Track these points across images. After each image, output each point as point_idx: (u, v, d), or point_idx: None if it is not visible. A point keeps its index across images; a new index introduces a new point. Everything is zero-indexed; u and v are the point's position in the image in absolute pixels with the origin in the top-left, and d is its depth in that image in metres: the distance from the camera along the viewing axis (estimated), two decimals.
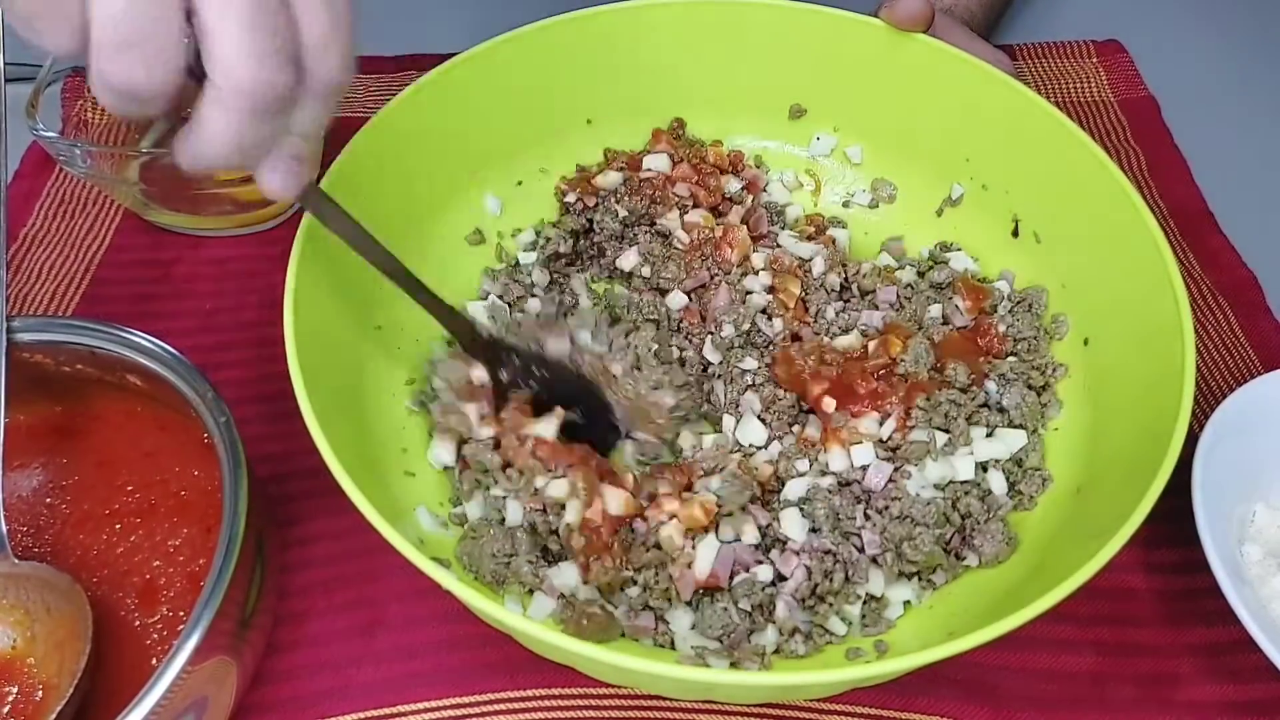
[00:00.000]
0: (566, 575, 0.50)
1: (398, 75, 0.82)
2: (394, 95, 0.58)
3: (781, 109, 0.70)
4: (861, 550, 0.52)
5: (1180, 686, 0.52)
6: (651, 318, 0.62)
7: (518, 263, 0.65)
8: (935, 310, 0.61)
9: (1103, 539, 0.42)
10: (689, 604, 0.50)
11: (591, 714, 0.51)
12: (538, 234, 0.66)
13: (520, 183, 0.68)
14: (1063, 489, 0.53)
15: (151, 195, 0.69)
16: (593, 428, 0.55)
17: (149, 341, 0.51)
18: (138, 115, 0.35)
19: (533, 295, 0.63)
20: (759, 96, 0.69)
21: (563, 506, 0.52)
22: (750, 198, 0.68)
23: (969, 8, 0.77)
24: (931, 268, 0.64)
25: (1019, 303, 0.61)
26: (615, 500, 0.51)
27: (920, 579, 0.52)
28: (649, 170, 0.67)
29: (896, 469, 0.54)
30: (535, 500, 0.52)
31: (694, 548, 0.51)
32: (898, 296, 0.62)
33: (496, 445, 0.54)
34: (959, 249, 0.65)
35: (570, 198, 0.66)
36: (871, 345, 0.59)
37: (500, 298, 0.63)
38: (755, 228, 0.66)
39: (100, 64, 0.33)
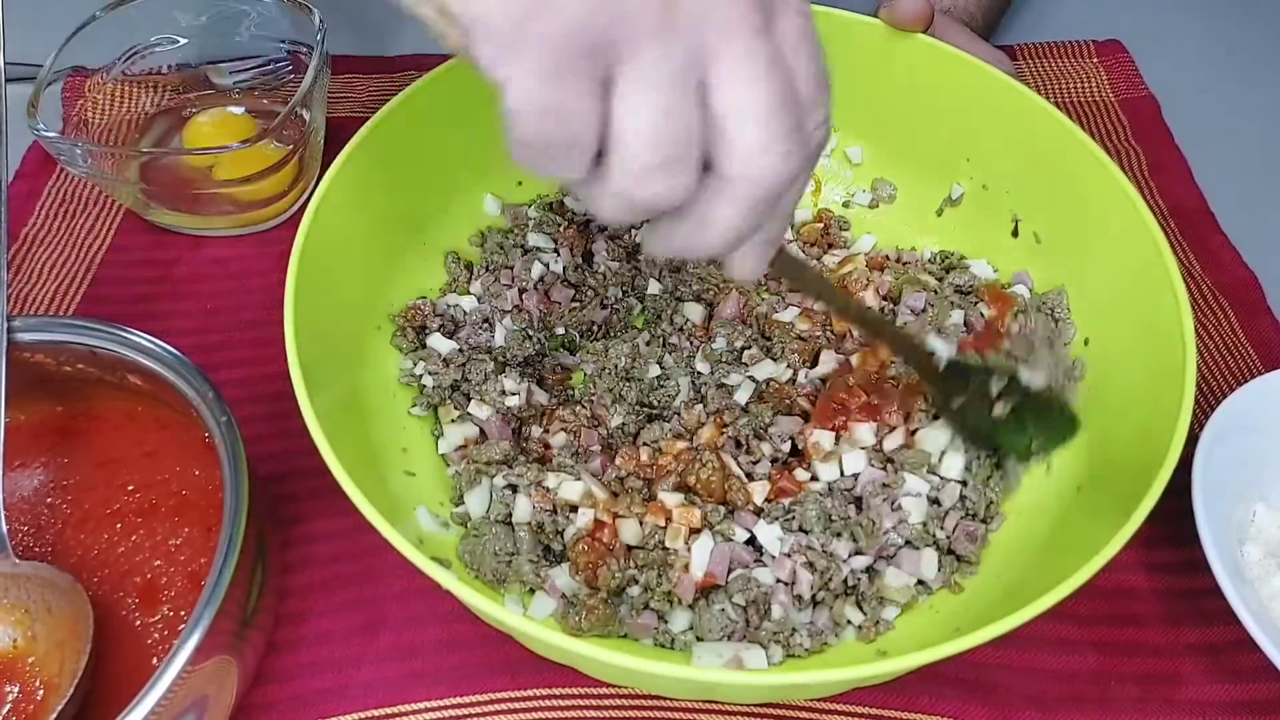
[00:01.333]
0: (569, 575, 0.50)
1: (398, 75, 0.82)
2: (394, 95, 0.58)
3: None
4: (859, 552, 0.52)
5: (1181, 686, 0.52)
6: (636, 325, 0.62)
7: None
8: (957, 316, 0.61)
9: (1103, 539, 0.42)
10: (690, 606, 0.50)
11: (591, 714, 0.51)
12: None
13: (520, 183, 0.68)
14: (1063, 489, 0.53)
15: (152, 195, 0.69)
16: None
17: (149, 341, 0.51)
18: (633, 222, 0.33)
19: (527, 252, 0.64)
20: None
21: (573, 509, 0.52)
22: None
23: (968, 9, 0.77)
24: (945, 275, 0.64)
25: (1039, 307, 0.60)
26: (629, 530, 0.51)
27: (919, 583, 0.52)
28: None
29: (895, 473, 0.54)
30: (545, 499, 0.52)
31: (689, 549, 0.51)
32: (925, 304, 0.62)
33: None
34: (963, 257, 0.65)
35: None
36: (856, 358, 0.58)
37: (488, 269, 0.64)
38: None
39: (627, 187, 0.30)
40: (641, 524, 0.52)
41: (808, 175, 0.34)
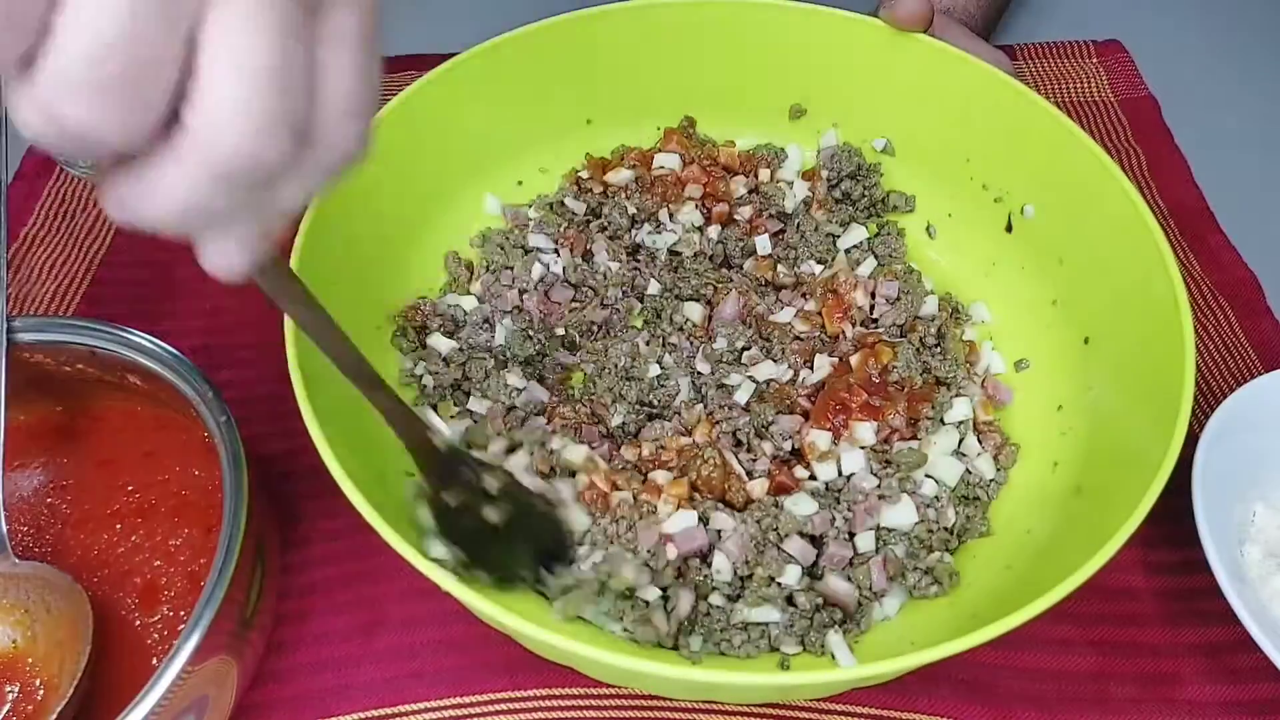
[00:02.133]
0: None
1: (398, 75, 0.82)
2: (394, 95, 0.58)
3: (782, 109, 0.70)
4: (854, 551, 0.52)
5: (1180, 686, 0.52)
6: (635, 325, 0.62)
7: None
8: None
9: (1103, 539, 0.42)
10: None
11: (591, 714, 0.51)
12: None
13: (520, 183, 0.68)
14: (1063, 489, 0.53)
15: None
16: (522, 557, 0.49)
17: (149, 341, 0.51)
18: (68, 154, 0.27)
19: (529, 252, 0.64)
20: (759, 96, 0.69)
21: (571, 474, 0.53)
22: (758, 199, 0.68)
23: (968, 9, 0.77)
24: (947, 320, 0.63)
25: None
26: (619, 499, 0.52)
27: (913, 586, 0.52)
28: (660, 168, 0.67)
29: (892, 475, 0.54)
30: (544, 462, 0.53)
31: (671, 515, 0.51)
32: (899, 292, 0.62)
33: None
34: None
35: (585, 173, 0.68)
36: (855, 359, 0.59)
37: (489, 268, 0.64)
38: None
39: (56, 99, 0.23)
40: (636, 500, 0.52)
41: (316, 176, 0.28)
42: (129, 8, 0.23)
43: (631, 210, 0.65)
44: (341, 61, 0.27)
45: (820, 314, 0.61)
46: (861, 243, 0.66)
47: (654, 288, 0.63)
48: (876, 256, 0.65)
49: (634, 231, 0.66)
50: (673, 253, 0.65)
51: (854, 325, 0.61)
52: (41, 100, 0.23)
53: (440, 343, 0.59)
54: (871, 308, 0.62)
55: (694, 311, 0.62)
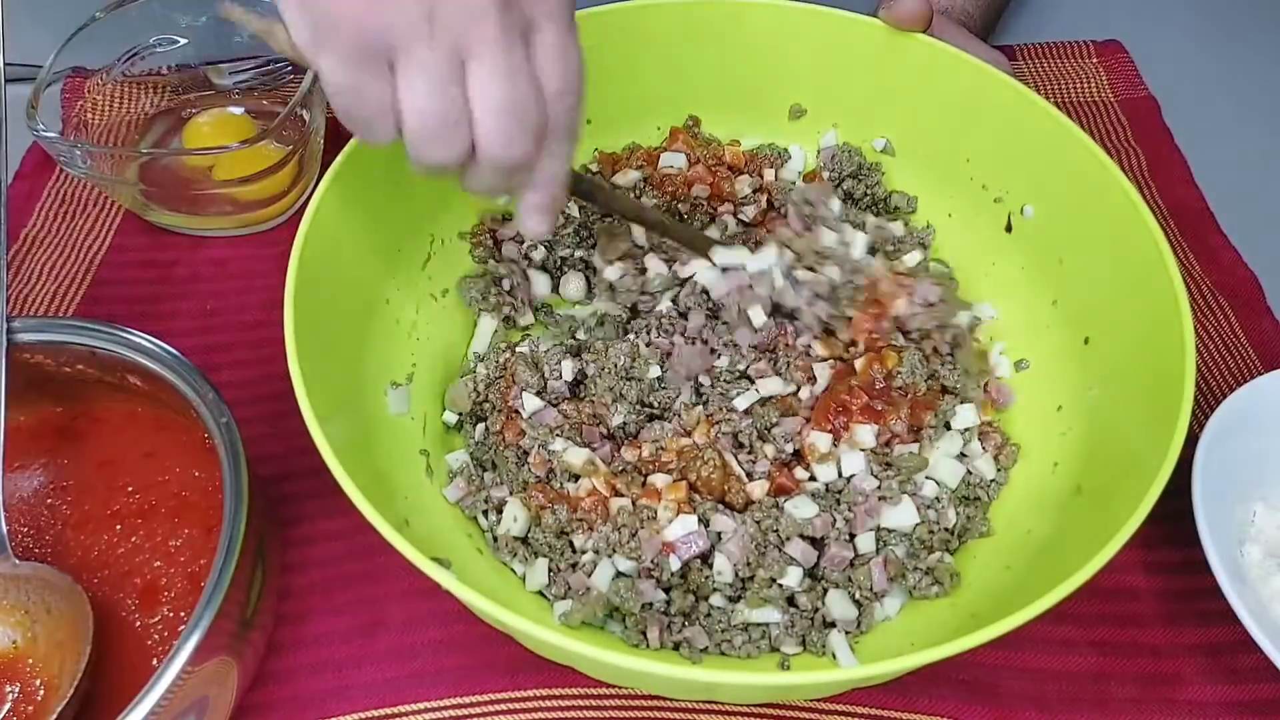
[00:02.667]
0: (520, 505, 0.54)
1: None
2: None
3: (781, 109, 0.70)
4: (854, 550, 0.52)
5: (1181, 686, 0.52)
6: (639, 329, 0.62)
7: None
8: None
9: (1103, 539, 0.42)
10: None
11: (591, 714, 0.51)
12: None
13: None
14: (1063, 489, 0.53)
15: (151, 195, 0.69)
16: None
17: (149, 342, 0.51)
18: (443, 174, 0.44)
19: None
20: (759, 97, 0.69)
21: (573, 478, 0.53)
22: (764, 198, 0.68)
23: (967, 9, 0.77)
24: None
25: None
26: (618, 506, 0.52)
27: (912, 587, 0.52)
28: (669, 167, 0.67)
29: (892, 478, 0.54)
30: (542, 465, 0.54)
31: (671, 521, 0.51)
32: (939, 298, 0.61)
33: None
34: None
35: (594, 167, 0.68)
36: (860, 362, 0.58)
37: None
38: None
39: (417, 150, 0.42)
40: (635, 505, 0.52)
41: (558, 147, 0.44)
42: (428, 99, 0.40)
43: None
44: (554, 65, 0.42)
45: (843, 339, 0.60)
46: (905, 235, 0.66)
47: (664, 305, 0.63)
48: (909, 244, 0.66)
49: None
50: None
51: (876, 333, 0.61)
52: (411, 154, 0.42)
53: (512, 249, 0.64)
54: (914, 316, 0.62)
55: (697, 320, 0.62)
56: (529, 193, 0.45)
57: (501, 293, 0.63)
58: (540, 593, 0.52)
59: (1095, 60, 0.86)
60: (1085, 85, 0.84)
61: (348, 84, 0.40)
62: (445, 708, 0.50)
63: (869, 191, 0.67)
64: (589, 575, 0.51)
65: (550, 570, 0.52)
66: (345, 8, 0.38)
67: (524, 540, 0.53)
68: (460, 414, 0.59)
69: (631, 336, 0.61)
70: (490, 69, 0.40)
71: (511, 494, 0.54)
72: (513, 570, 0.53)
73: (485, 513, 0.54)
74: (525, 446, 0.56)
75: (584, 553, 0.52)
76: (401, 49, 0.39)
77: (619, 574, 0.51)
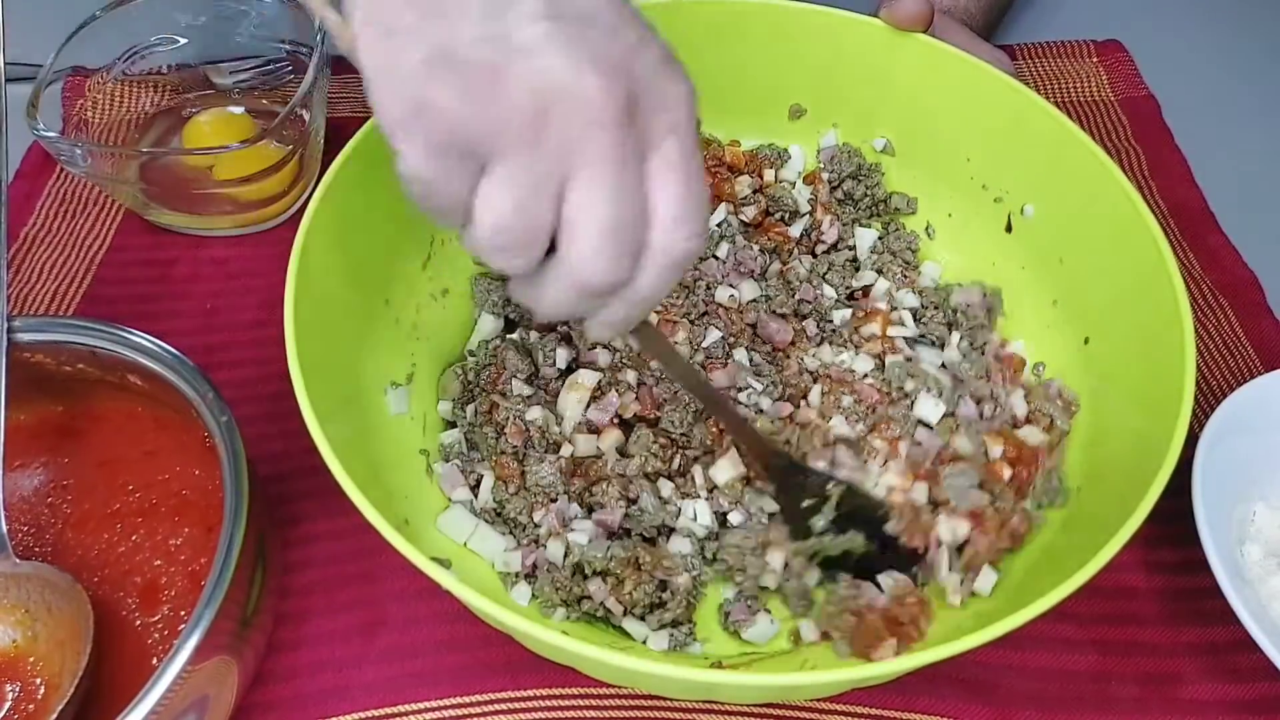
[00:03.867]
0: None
1: None
2: None
3: (781, 109, 0.70)
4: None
5: (1181, 686, 0.52)
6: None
7: None
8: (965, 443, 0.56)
9: (1103, 539, 0.42)
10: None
11: (591, 714, 0.51)
12: None
13: None
14: (1063, 489, 0.53)
15: (152, 195, 0.69)
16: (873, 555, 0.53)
17: (150, 341, 0.51)
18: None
19: None
20: (759, 97, 0.69)
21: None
22: (763, 199, 0.68)
23: (968, 9, 0.77)
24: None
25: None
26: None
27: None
28: None
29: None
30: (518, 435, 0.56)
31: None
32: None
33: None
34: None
35: None
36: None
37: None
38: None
39: (481, 253, 0.37)
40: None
41: (658, 272, 0.37)
42: (511, 213, 0.35)
43: None
44: (669, 187, 0.36)
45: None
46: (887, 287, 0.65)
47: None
48: (893, 254, 0.65)
49: None
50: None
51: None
52: (475, 250, 0.37)
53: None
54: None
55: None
56: (611, 309, 0.39)
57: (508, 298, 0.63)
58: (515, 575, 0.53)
59: (1095, 60, 0.86)
60: (1085, 85, 0.84)
61: (428, 176, 0.35)
62: (445, 708, 0.50)
63: (869, 192, 0.67)
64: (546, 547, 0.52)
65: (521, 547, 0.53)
66: (448, 98, 0.34)
67: (499, 513, 0.54)
68: (454, 400, 0.59)
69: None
70: (599, 188, 0.35)
71: (489, 467, 0.56)
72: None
73: (473, 490, 0.55)
74: (500, 420, 0.56)
75: (539, 526, 0.53)
76: (499, 152, 0.35)
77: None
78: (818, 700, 0.51)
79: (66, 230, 0.72)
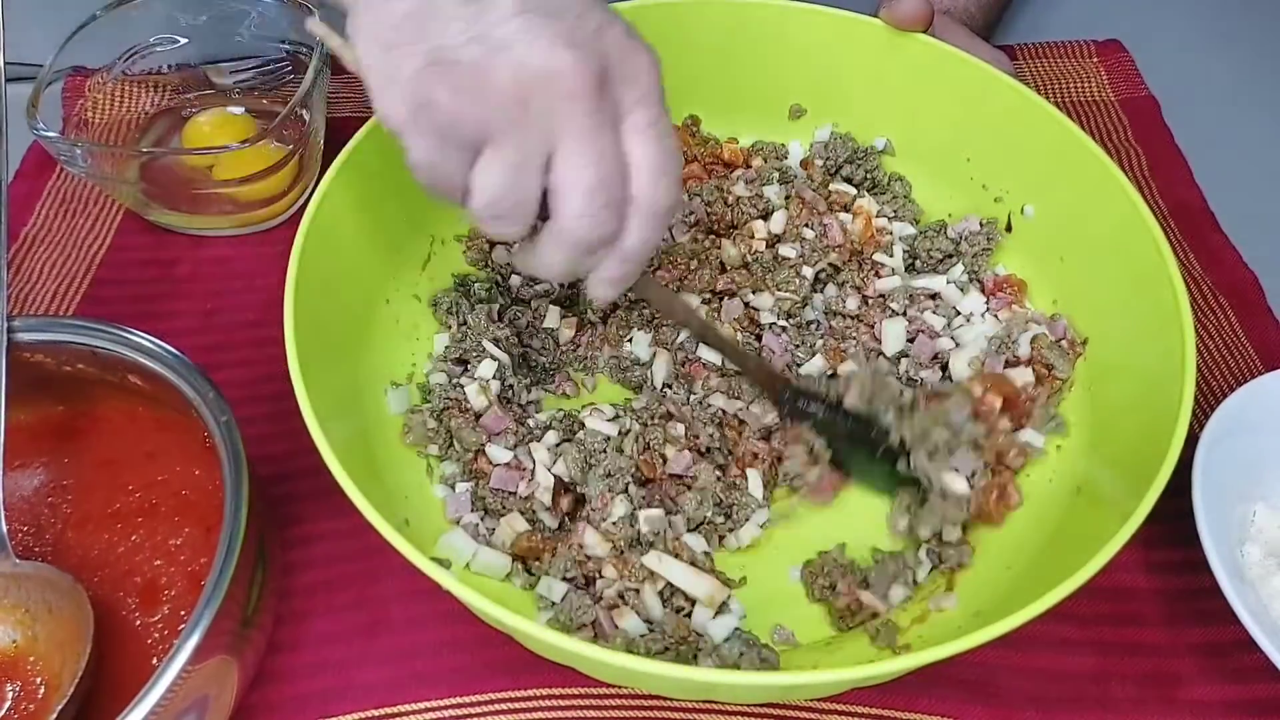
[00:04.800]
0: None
1: None
2: None
3: (781, 109, 0.70)
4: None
5: (1181, 686, 0.52)
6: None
7: None
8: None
9: (1103, 539, 0.42)
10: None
11: (591, 714, 0.51)
12: None
13: None
14: (1063, 489, 0.53)
15: (152, 195, 0.69)
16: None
17: (150, 341, 0.51)
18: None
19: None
20: (759, 97, 0.69)
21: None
22: (757, 196, 0.68)
23: (968, 9, 0.77)
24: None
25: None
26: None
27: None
28: None
29: None
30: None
31: None
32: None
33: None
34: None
35: None
36: None
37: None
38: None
39: (482, 225, 0.43)
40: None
41: (644, 224, 0.43)
42: (501, 185, 0.41)
43: None
44: (645, 145, 0.42)
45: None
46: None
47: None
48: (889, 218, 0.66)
49: None
50: None
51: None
52: (474, 220, 0.43)
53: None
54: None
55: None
56: (606, 265, 0.44)
57: (463, 314, 0.61)
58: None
59: (1095, 60, 0.86)
60: (1085, 85, 0.84)
61: (431, 162, 0.41)
62: (445, 708, 0.50)
63: (869, 175, 0.67)
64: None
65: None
66: (445, 97, 0.39)
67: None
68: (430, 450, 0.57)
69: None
70: (580, 153, 0.40)
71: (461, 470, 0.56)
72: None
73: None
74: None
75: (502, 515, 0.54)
76: (490, 136, 0.40)
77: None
78: (817, 700, 0.51)
79: (66, 230, 0.72)
